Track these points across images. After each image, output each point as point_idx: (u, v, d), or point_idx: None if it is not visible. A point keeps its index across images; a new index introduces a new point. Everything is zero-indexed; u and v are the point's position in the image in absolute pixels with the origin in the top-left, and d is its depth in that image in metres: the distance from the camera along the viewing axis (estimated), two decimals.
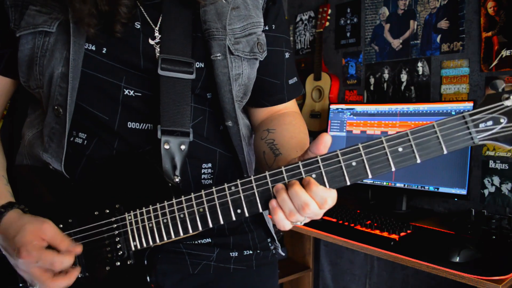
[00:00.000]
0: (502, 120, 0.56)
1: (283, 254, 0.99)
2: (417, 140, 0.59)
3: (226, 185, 0.65)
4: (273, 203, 0.63)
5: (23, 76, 0.76)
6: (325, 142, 0.62)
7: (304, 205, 0.60)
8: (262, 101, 0.91)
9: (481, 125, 0.56)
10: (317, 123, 2.50)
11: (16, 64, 0.75)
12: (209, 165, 0.82)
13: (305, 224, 1.93)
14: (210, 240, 0.83)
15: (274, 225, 0.94)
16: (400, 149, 0.59)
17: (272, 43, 0.87)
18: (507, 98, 0.56)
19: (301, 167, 0.63)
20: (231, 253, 0.84)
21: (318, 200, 0.61)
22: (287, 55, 0.92)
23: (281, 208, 0.62)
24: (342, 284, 2.50)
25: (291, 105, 0.95)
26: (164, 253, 0.78)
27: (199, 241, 0.82)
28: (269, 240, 0.92)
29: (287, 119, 0.90)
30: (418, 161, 0.59)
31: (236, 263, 0.85)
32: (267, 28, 0.87)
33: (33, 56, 0.73)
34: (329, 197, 0.61)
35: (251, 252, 0.87)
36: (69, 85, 0.71)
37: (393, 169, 0.60)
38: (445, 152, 0.58)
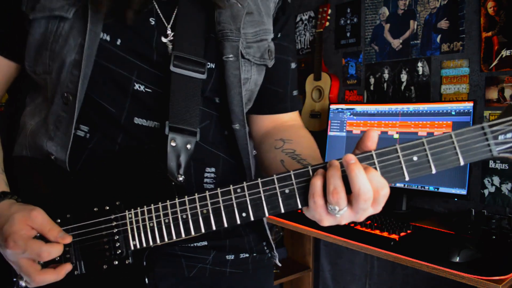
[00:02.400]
0: None
1: (279, 264, 0.98)
2: (433, 149, 0.56)
3: (231, 187, 0.64)
4: (316, 183, 0.57)
5: (30, 60, 0.75)
6: (371, 137, 0.59)
7: (367, 191, 0.55)
8: (265, 108, 0.91)
9: (500, 137, 0.54)
10: (317, 123, 2.50)
11: (22, 48, 0.74)
12: (213, 169, 0.81)
13: (305, 224, 1.93)
14: (206, 243, 0.82)
15: (270, 231, 0.93)
16: (415, 158, 0.57)
17: (278, 51, 0.88)
18: None
19: (311, 172, 0.60)
20: (227, 256, 0.83)
21: (375, 183, 0.56)
22: (292, 65, 0.92)
23: (327, 184, 0.56)
24: (342, 284, 2.50)
25: (297, 118, 0.95)
26: (160, 255, 0.77)
27: (195, 244, 0.81)
28: (264, 243, 0.91)
29: (301, 132, 0.89)
30: (434, 171, 0.56)
31: (232, 267, 0.84)
32: (273, 35, 0.87)
33: (44, 41, 0.72)
34: (386, 185, 0.56)
35: (247, 255, 0.86)
36: (81, 72, 0.70)
37: (407, 178, 0.57)
38: (462, 163, 0.55)
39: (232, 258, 0.84)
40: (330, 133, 2.22)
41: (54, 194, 0.74)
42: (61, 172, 0.74)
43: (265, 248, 0.91)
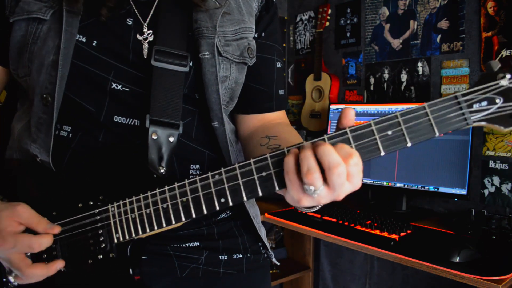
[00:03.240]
0: (497, 100, 0.53)
1: (277, 263, 0.97)
2: (408, 123, 0.56)
3: (210, 174, 0.64)
4: (289, 161, 0.56)
5: (13, 63, 0.76)
6: (348, 115, 0.58)
7: (337, 164, 0.53)
8: (251, 108, 0.91)
9: (475, 106, 0.53)
10: (317, 123, 2.50)
11: (8, 52, 0.75)
12: (197, 166, 0.82)
13: (305, 224, 1.93)
14: (198, 244, 0.82)
15: (270, 231, 0.93)
16: (389, 133, 0.56)
17: (263, 50, 0.88)
18: (503, 77, 0.53)
19: (286, 152, 0.59)
20: (220, 257, 0.83)
21: (343, 154, 0.54)
22: (278, 64, 0.92)
23: (301, 166, 0.55)
24: (342, 284, 2.50)
25: (283, 116, 0.95)
26: (151, 255, 0.78)
27: (187, 244, 0.81)
28: (260, 244, 0.91)
29: (286, 129, 0.90)
30: (409, 144, 0.56)
31: (226, 267, 0.84)
32: (256, 35, 0.87)
33: (24, 43, 0.73)
34: (355, 153, 0.54)
35: (241, 255, 0.86)
36: (58, 73, 0.71)
37: (382, 153, 0.57)
38: (437, 134, 0.55)
39: (226, 258, 0.84)
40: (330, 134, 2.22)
41: (42, 193, 0.74)
42: (48, 172, 0.74)
43: (261, 248, 0.91)
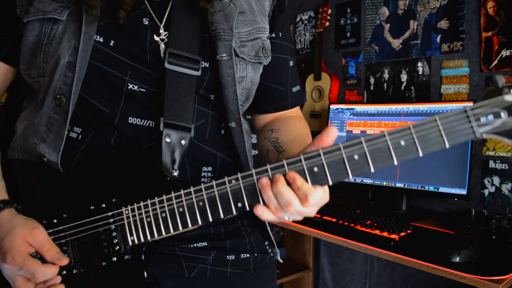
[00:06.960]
0: (502, 115, 0.56)
1: (281, 260, 0.98)
2: (419, 133, 0.59)
3: (226, 178, 0.65)
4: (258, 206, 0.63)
5: (24, 63, 0.75)
6: (330, 134, 0.62)
7: (287, 204, 0.60)
8: (266, 107, 0.92)
9: (483, 119, 0.57)
10: (317, 123, 2.50)
11: (17, 52, 0.75)
12: (210, 168, 0.81)
13: (305, 224, 1.93)
14: (206, 244, 0.82)
15: (271, 230, 0.94)
16: (402, 143, 0.59)
17: (278, 50, 0.89)
18: (507, 93, 0.56)
19: (302, 160, 0.62)
20: (227, 256, 0.83)
21: (300, 195, 0.60)
22: (291, 63, 0.93)
23: (268, 205, 0.63)
24: (342, 284, 2.50)
25: (295, 110, 0.97)
26: (159, 256, 0.77)
27: (195, 244, 0.81)
28: (266, 243, 0.91)
29: (291, 121, 0.91)
30: (420, 154, 0.59)
31: (233, 267, 0.84)
32: (273, 35, 0.88)
33: (38, 43, 0.72)
34: (311, 195, 0.60)
35: (248, 255, 0.86)
36: (76, 75, 0.71)
37: (396, 162, 0.59)
38: (447, 145, 0.58)
39: (233, 258, 0.84)
40: None
41: (50, 194, 0.74)
42: (55, 173, 0.74)
43: (267, 247, 0.91)
